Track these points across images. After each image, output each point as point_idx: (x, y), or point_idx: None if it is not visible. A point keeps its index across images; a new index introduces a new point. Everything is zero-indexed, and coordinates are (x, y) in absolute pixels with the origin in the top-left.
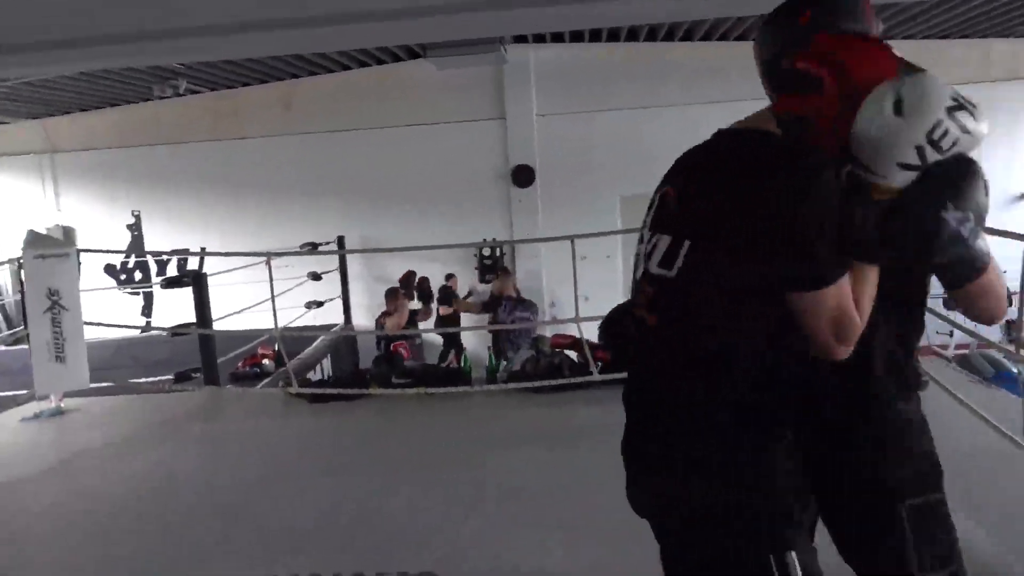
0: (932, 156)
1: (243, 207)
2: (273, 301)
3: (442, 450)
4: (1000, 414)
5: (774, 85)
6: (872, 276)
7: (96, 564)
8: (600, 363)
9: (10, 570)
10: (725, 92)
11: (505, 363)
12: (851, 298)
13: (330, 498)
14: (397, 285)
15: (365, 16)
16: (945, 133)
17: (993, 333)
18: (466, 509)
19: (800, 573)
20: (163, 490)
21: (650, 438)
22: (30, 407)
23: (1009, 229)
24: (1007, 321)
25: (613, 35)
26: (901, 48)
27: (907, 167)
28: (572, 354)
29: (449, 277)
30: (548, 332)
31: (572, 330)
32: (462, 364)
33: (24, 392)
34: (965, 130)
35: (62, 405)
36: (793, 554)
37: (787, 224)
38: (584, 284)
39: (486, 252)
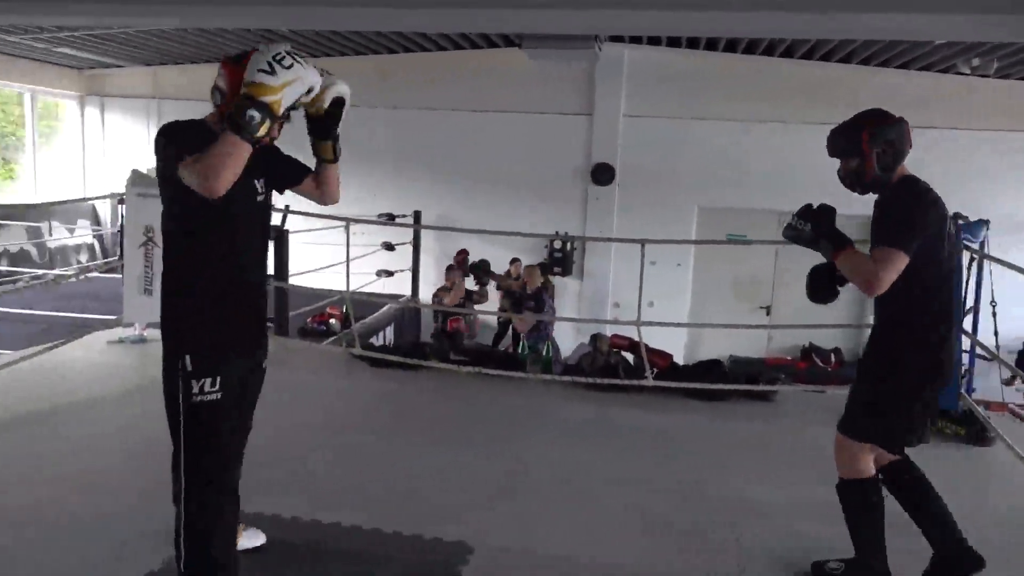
0: (279, 69)
1: None
2: (348, 265)
3: (490, 431)
4: None
5: None
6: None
7: (154, 481)
8: (655, 369)
9: (79, 482)
10: (824, 114)
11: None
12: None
13: (378, 458)
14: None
15: (465, 2)
16: (284, 58)
17: None
18: (504, 490)
19: None
20: None
21: None
22: (116, 332)
23: None
24: None
25: (711, 44)
26: None
27: (263, 71)
28: (629, 356)
29: (513, 261)
30: (609, 331)
31: (632, 332)
32: (519, 350)
33: (113, 318)
34: (299, 62)
35: (145, 334)
36: None
37: None
38: (652, 289)
39: (557, 245)
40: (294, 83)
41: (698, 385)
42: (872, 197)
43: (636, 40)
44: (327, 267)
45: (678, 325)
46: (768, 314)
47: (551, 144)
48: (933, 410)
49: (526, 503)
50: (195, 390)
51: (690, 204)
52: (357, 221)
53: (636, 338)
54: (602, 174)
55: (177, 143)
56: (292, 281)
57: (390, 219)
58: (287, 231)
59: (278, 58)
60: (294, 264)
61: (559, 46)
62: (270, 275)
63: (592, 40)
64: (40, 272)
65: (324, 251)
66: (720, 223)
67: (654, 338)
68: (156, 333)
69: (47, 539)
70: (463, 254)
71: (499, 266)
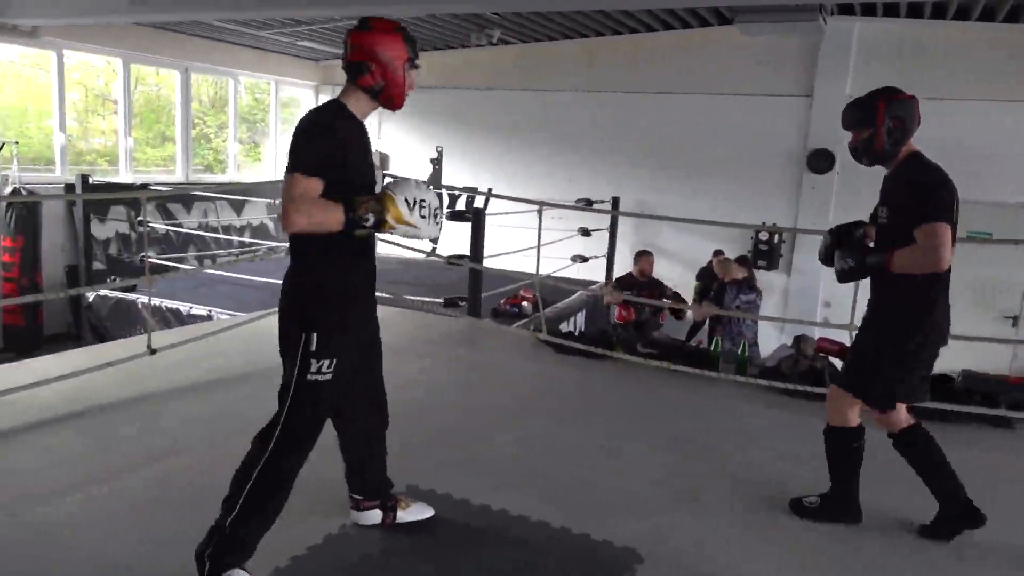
0: (416, 215)
1: (532, 155)
2: (539, 249)
3: (675, 429)
4: None
5: None
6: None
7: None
8: None
9: None
10: None
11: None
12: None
13: (558, 446)
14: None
15: None
16: (426, 207)
17: None
18: (685, 495)
19: None
20: (417, 401)
21: None
22: None
23: None
24: None
25: (963, 12)
26: None
27: (405, 203)
28: (838, 363)
29: (717, 253)
30: (817, 334)
31: (844, 337)
32: (712, 347)
33: None
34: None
35: None
36: None
37: None
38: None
39: (763, 237)
40: (415, 230)
41: (917, 403)
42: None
43: (869, 11)
44: (521, 250)
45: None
46: (1015, 325)
47: (762, 128)
48: (930, 369)
49: (708, 513)
50: (313, 369)
51: None
52: (551, 205)
53: (847, 343)
54: (820, 161)
55: (307, 150)
56: (487, 263)
57: (588, 204)
58: (484, 213)
59: (422, 204)
60: (494, 246)
61: (778, 19)
62: (466, 256)
63: (816, 11)
64: (274, 244)
65: (524, 234)
66: (961, 218)
67: None
68: None
69: None
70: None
71: (703, 257)
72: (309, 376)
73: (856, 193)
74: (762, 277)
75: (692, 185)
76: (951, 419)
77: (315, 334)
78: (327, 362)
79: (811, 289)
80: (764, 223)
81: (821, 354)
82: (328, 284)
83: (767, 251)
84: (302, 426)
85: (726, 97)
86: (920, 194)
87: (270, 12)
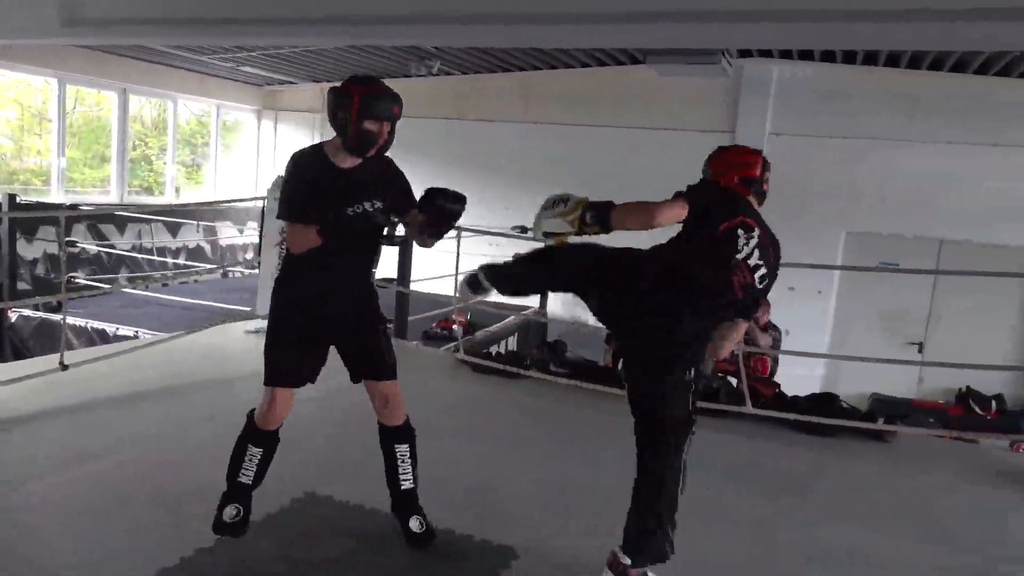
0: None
1: (469, 183)
2: (456, 274)
3: (568, 443)
4: None
5: None
6: None
7: None
8: (762, 399)
9: (214, 448)
10: (997, 134)
11: None
12: None
13: (454, 459)
14: None
15: (587, 17)
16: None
17: None
18: (566, 499)
19: None
20: (319, 417)
21: None
22: (252, 323)
23: None
24: None
25: (871, 58)
26: None
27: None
28: (735, 381)
29: None
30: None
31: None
32: (618, 367)
33: (249, 309)
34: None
35: None
36: None
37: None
38: (789, 317)
39: None
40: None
41: (796, 416)
42: None
43: (786, 55)
44: (443, 276)
45: (783, 353)
46: (920, 351)
47: (686, 161)
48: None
49: (583, 514)
50: None
51: (838, 229)
52: (471, 231)
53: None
54: None
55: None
56: (416, 287)
57: (523, 231)
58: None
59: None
60: (424, 270)
61: (683, 60)
62: (392, 279)
63: (718, 55)
64: (209, 267)
65: (465, 260)
66: (870, 250)
67: (788, 369)
68: None
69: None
70: None
71: None
72: None
73: (773, 225)
74: None
75: None
76: (833, 433)
77: None
78: None
79: None
80: None
81: (720, 373)
82: None
83: None
84: None
85: (651, 131)
86: (405, 186)
87: (203, 39)
